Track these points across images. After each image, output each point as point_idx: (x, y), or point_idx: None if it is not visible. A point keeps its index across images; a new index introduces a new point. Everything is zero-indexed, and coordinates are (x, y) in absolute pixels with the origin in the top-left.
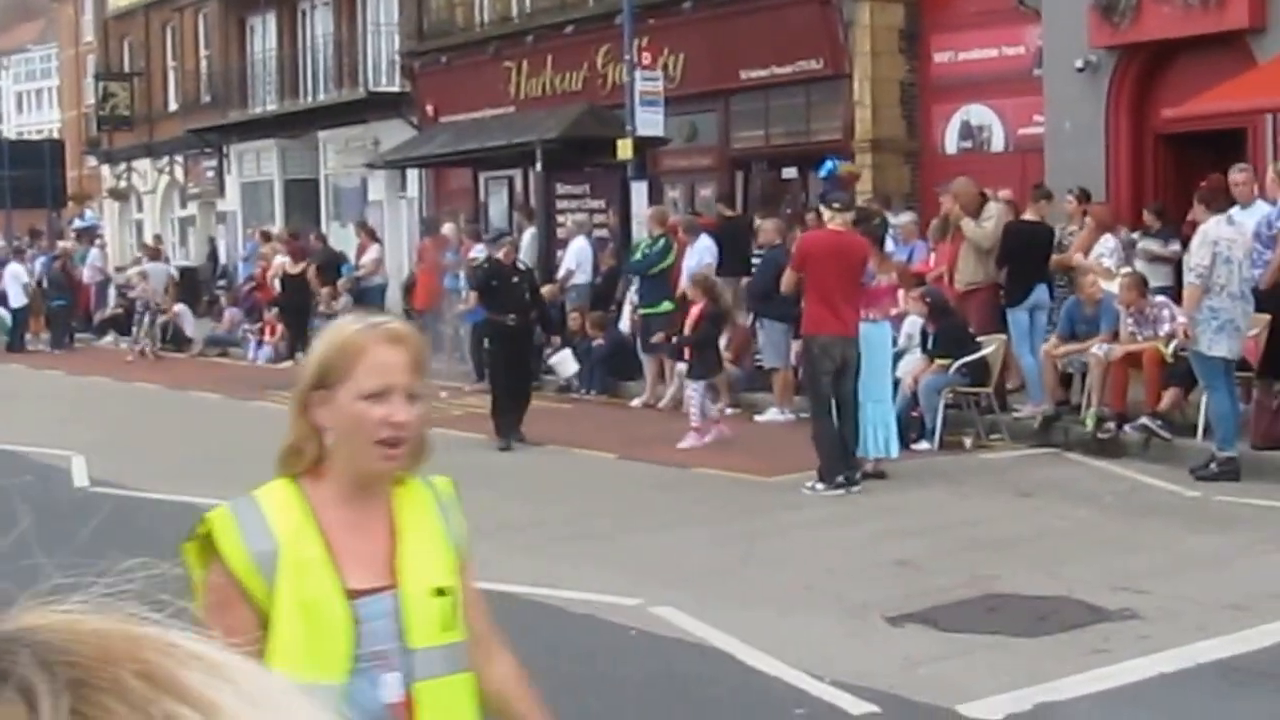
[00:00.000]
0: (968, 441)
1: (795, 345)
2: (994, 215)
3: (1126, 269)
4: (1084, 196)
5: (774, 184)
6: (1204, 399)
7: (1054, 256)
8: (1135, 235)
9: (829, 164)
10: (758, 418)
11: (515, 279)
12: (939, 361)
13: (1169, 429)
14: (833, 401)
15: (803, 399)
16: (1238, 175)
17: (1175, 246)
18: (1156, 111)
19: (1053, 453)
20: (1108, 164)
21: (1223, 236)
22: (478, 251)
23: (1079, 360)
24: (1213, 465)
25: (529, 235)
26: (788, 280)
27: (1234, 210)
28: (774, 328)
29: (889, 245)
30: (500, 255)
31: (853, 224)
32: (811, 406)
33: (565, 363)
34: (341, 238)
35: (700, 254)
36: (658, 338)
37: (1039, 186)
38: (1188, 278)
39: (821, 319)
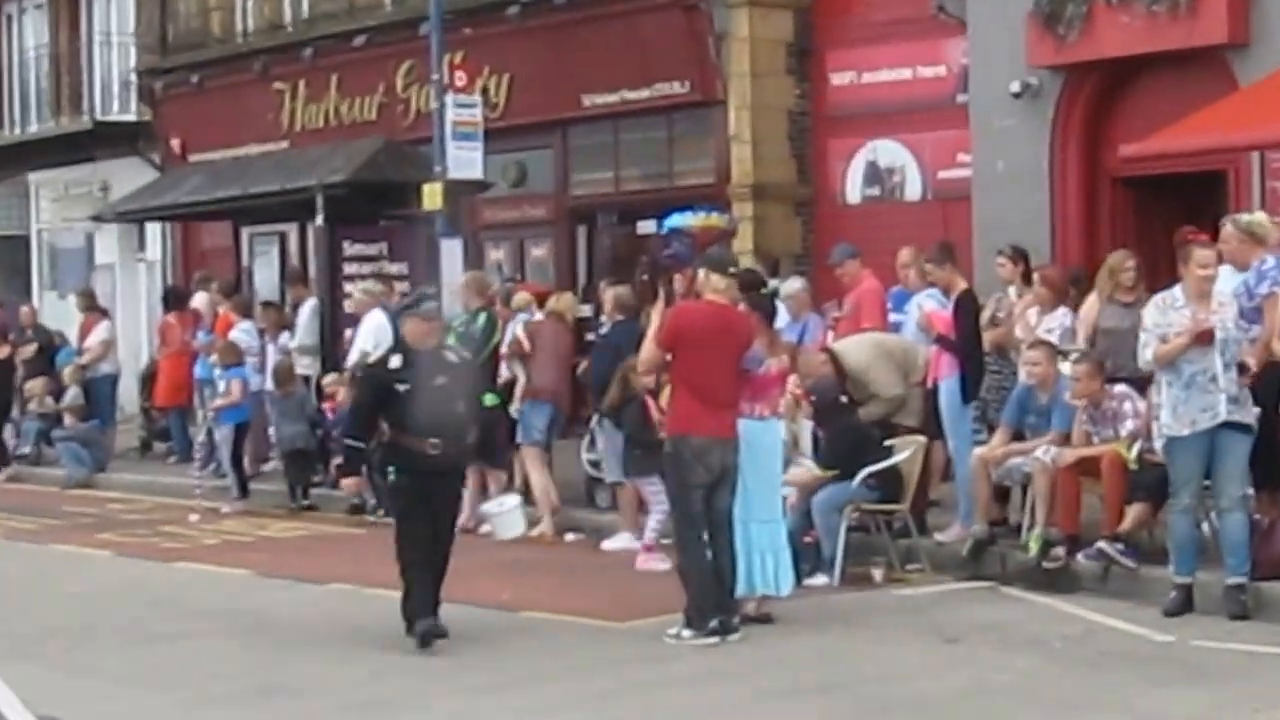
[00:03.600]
0: (877, 574)
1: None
2: (866, 371)
3: (1076, 350)
4: (1018, 257)
5: (626, 242)
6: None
7: (988, 332)
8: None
9: (675, 217)
10: (605, 544)
11: (441, 377)
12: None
13: (1133, 555)
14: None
15: (661, 520)
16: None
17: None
18: (1113, 148)
19: (987, 587)
20: (1052, 216)
21: None
22: (243, 332)
23: (1019, 468)
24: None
25: (308, 309)
26: (648, 358)
27: None
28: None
29: (780, 320)
30: (411, 333)
31: (750, 302)
32: (677, 529)
33: (509, 518)
34: (59, 312)
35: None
36: None
37: (941, 246)
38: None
39: (694, 415)
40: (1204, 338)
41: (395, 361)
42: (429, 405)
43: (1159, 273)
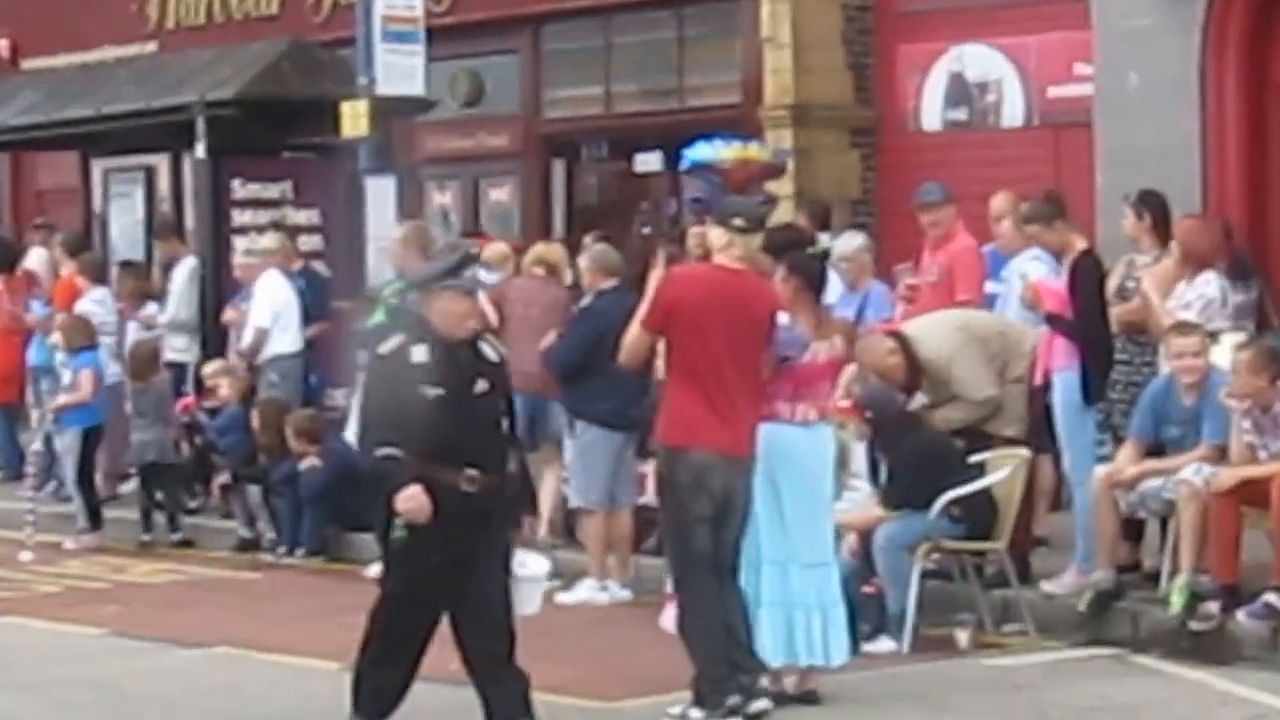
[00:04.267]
0: (963, 637)
1: (642, 467)
2: (948, 364)
3: (1235, 333)
4: (1146, 208)
5: (619, 183)
6: None
7: (1117, 308)
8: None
9: (701, 147)
10: (562, 597)
11: (483, 380)
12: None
13: None
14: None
15: (653, 560)
16: None
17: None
18: None
19: (1111, 655)
20: (1204, 148)
21: None
22: (96, 303)
23: (1158, 494)
24: None
25: (183, 271)
26: (631, 343)
27: None
28: (591, 434)
29: (831, 290)
30: (444, 315)
31: (772, 255)
32: (679, 575)
33: (528, 590)
34: None
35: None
36: None
37: (1047, 199)
38: None
39: (693, 422)
40: None
41: (420, 354)
42: (468, 421)
43: None
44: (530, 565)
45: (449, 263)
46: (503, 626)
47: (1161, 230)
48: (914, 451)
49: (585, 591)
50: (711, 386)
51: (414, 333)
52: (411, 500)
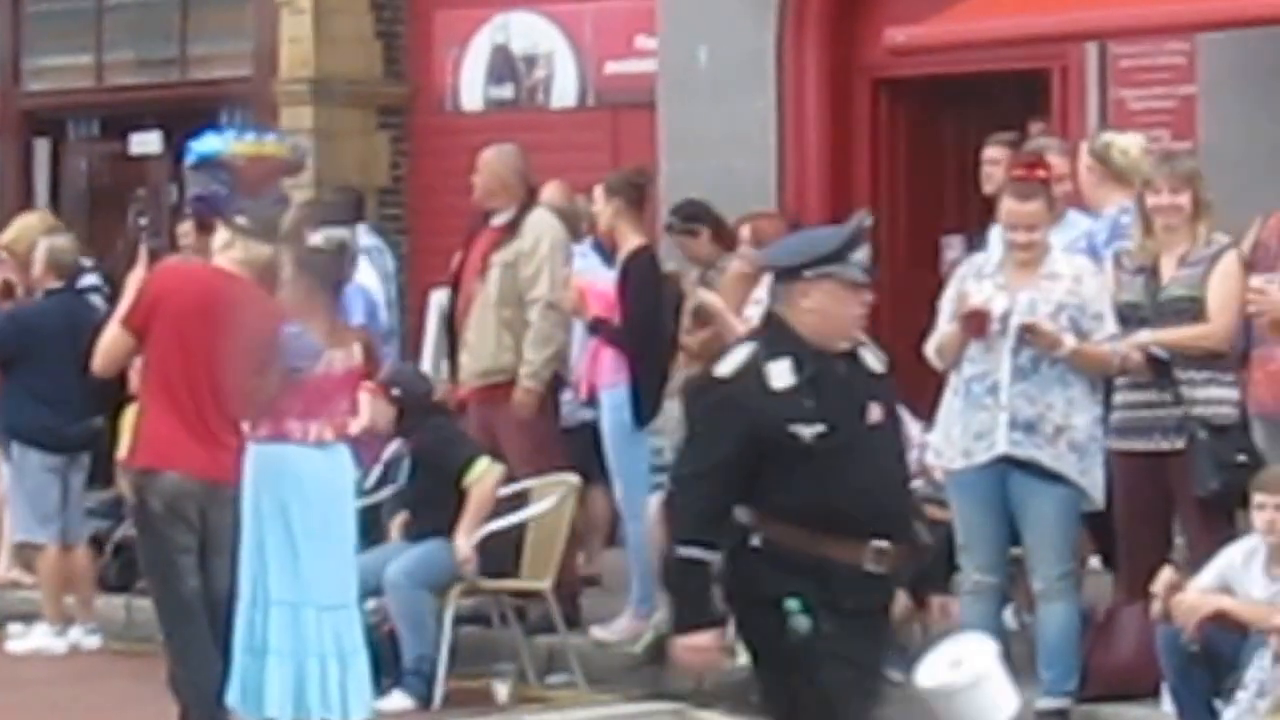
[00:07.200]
0: (502, 690)
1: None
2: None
3: None
4: (701, 223)
5: (112, 166)
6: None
7: (692, 337)
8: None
9: (210, 139)
10: (12, 645)
11: (876, 407)
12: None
13: (897, 662)
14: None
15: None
16: (997, 152)
17: None
18: (875, 33)
19: (673, 711)
20: (781, 134)
21: None
22: None
23: None
24: None
25: None
26: (109, 346)
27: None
28: (29, 457)
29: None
30: (825, 317)
31: (302, 263)
32: (164, 619)
33: (985, 692)
34: None
35: None
36: None
37: (634, 172)
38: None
39: (163, 441)
40: (972, 325)
41: (784, 375)
42: (865, 467)
43: (941, 219)
44: (971, 660)
45: (840, 237)
46: None
47: (727, 238)
48: (436, 446)
49: (38, 638)
50: (188, 403)
51: (770, 344)
52: (694, 654)
